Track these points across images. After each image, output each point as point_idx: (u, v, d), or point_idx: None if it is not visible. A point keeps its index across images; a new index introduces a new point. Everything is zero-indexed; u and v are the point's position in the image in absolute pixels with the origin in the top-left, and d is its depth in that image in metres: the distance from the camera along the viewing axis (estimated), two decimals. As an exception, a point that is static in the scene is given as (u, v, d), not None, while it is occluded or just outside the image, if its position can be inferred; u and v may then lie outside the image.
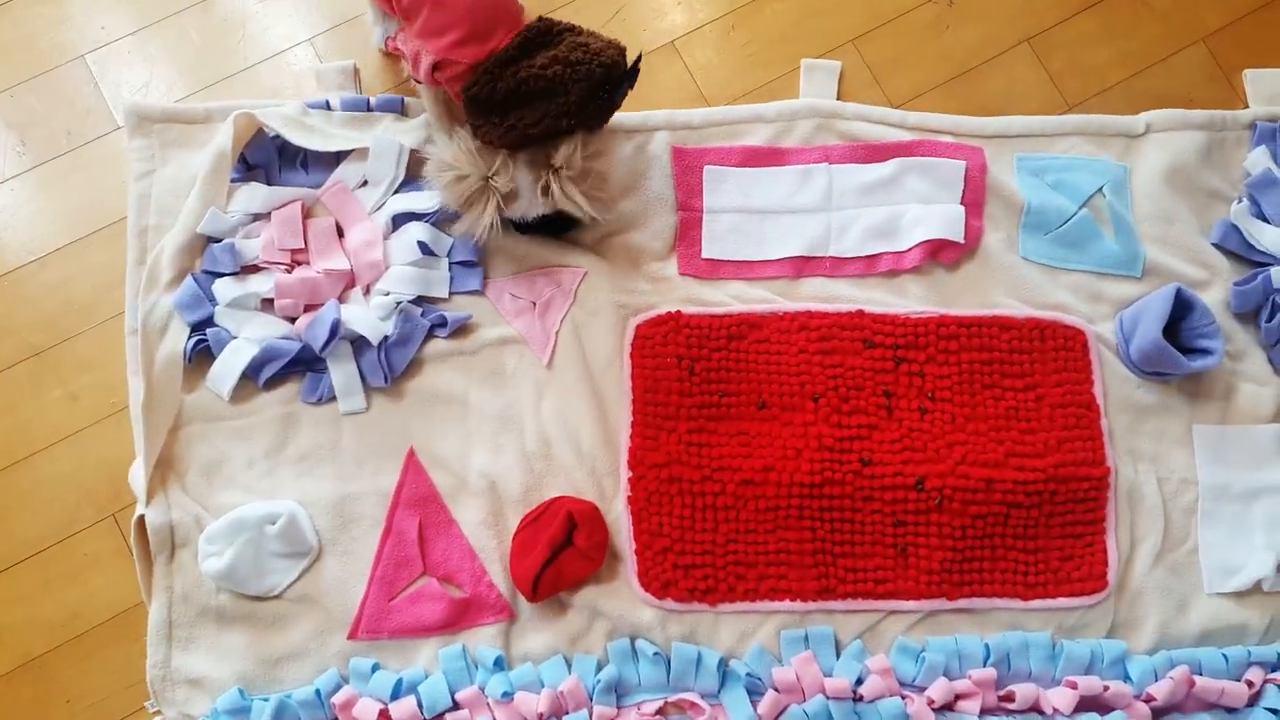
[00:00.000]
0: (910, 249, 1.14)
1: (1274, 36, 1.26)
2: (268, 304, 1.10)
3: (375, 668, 1.03)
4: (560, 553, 1.02)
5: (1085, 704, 1.03)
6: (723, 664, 1.03)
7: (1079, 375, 1.12)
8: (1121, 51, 1.25)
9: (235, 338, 1.08)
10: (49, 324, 1.14)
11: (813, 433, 1.08)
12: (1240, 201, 1.17)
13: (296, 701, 1.01)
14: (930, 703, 1.01)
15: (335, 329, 1.06)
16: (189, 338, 1.08)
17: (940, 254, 1.15)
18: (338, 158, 1.14)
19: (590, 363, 1.11)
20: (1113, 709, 1.03)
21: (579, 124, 0.97)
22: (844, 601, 1.06)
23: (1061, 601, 1.07)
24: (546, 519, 1.04)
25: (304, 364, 1.09)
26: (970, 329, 1.12)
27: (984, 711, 1.02)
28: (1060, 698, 1.02)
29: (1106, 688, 1.03)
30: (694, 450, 1.08)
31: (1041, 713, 1.03)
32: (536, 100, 0.94)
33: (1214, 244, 1.17)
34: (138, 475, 1.06)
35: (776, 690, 1.02)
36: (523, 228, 1.11)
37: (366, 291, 1.11)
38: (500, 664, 1.03)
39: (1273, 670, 1.07)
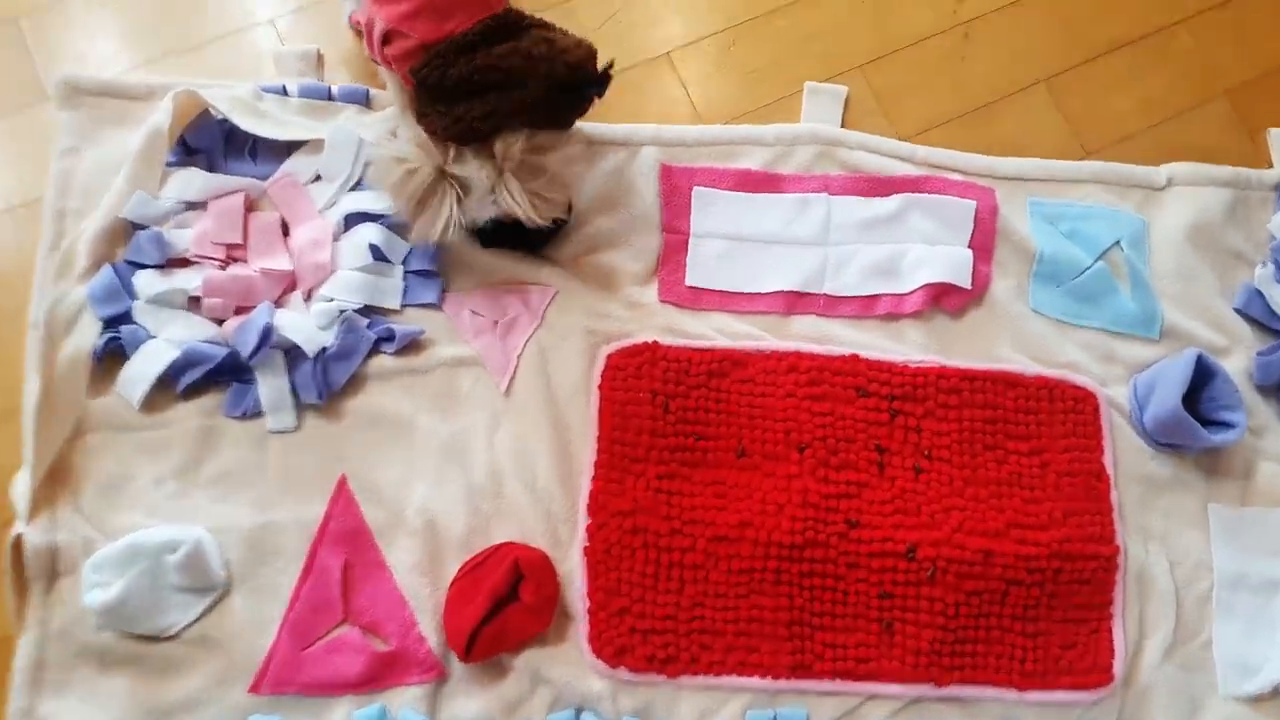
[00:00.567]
0: (912, 292, 1.06)
1: (1298, 94, 1.21)
2: (195, 303, 1.00)
3: (279, 728, 0.91)
4: (503, 607, 0.92)
5: (1084, 814, 0.93)
6: (679, 745, 0.92)
7: (1089, 442, 1.03)
8: (1143, 99, 1.19)
9: (154, 338, 0.98)
10: (-58, 310, 1.02)
11: (796, 486, 0.98)
12: (1265, 265, 1.11)
13: (183, 762, 0.88)
14: (911, 804, 0.90)
15: (267, 335, 0.96)
16: (101, 334, 0.97)
17: (944, 299, 1.06)
18: (290, 148, 1.05)
19: (554, 392, 1.01)
20: (1114, 821, 0.92)
21: (533, 125, 0.89)
22: (820, 681, 0.95)
23: (1061, 695, 0.96)
24: (489, 566, 0.93)
25: (229, 373, 0.98)
26: (973, 383, 1.04)
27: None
28: (1057, 805, 0.92)
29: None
30: (663, 498, 0.98)
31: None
32: (488, 92, 0.86)
33: (1236, 309, 1.10)
34: (21, 487, 0.94)
35: (739, 779, 0.91)
36: (486, 239, 1.01)
37: (308, 297, 1.01)
38: (425, 730, 0.91)
39: (1290, 787, 0.97)
